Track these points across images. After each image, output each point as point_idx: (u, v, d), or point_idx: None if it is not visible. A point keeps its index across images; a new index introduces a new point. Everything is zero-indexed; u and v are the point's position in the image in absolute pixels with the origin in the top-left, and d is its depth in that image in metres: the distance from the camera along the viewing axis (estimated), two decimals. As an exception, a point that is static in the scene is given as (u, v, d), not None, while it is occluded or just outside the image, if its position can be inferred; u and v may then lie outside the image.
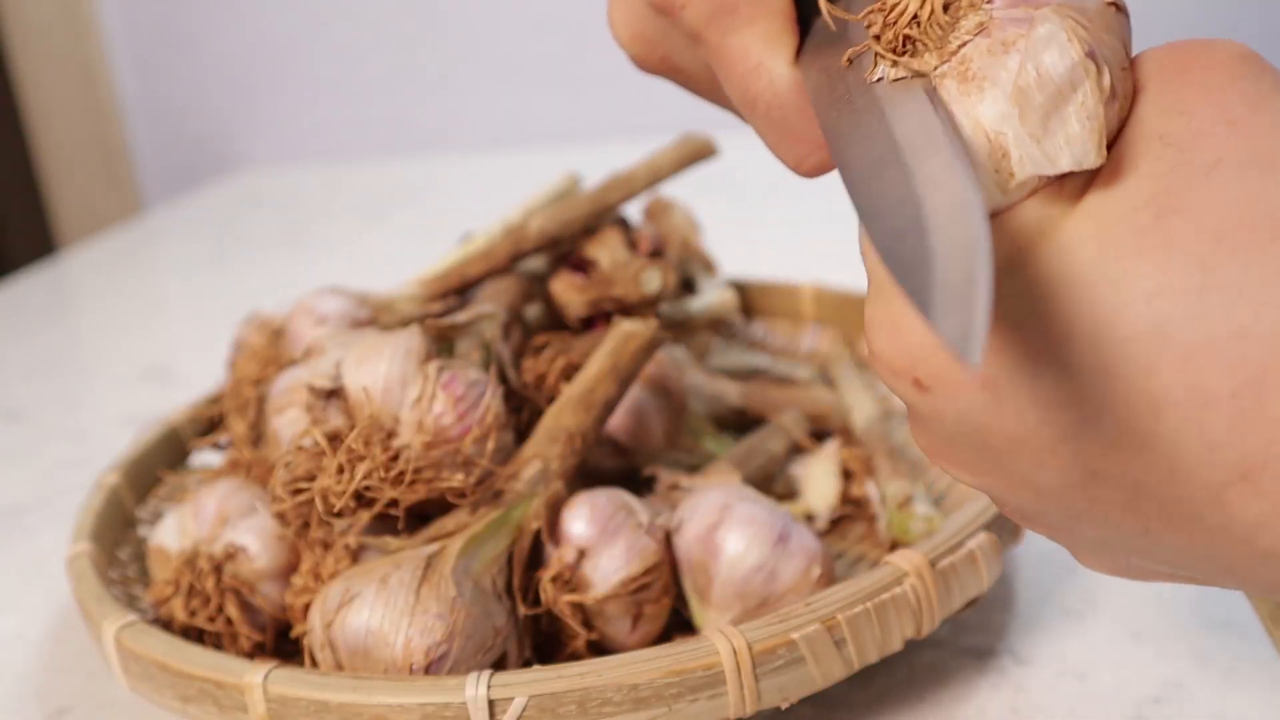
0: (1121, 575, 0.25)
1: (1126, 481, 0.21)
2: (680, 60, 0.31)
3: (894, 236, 0.20)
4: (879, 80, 0.25)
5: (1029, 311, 0.22)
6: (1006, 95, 0.22)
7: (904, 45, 0.24)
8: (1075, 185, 0.22)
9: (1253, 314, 0.19)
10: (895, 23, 0.24)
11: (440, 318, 0.45)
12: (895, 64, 0.24)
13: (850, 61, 0.26)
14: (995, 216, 0.23)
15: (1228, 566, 0.22)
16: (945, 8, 0.24)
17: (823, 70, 0.27)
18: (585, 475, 0.43)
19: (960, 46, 0.23)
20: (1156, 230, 0.21)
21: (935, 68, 0.24)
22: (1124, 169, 0.22)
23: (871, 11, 0.25)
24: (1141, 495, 0.21)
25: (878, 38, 0.25)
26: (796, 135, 0.29)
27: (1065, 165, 0.22)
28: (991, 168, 0.22)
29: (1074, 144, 0.22)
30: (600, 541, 0.37)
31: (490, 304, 0.47)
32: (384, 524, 0.38)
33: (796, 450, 0.48)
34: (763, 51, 0.28)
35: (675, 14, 0.29)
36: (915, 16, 0.24)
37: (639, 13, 0.31)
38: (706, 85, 0.32)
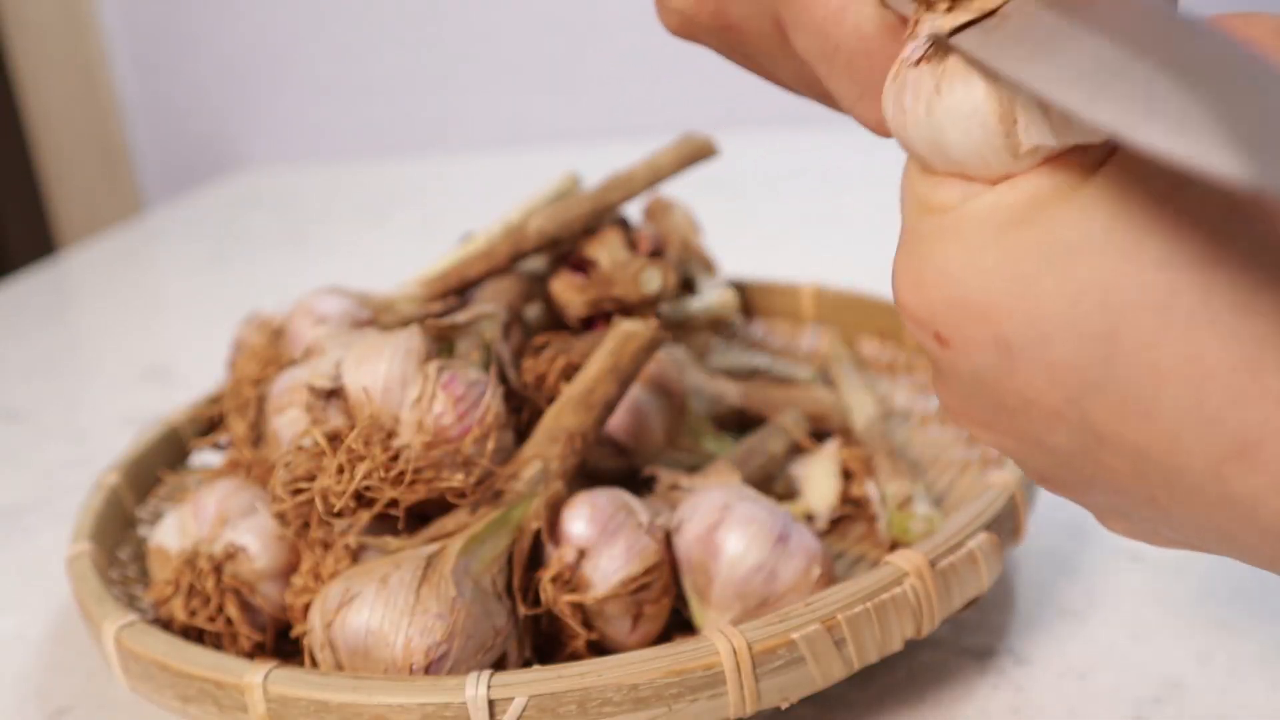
0: (1143, 540, 0.25)
1: (1131, 449, 0.21)
2: (737, 13, 0.29)
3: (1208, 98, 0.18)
4: (922, 42, 0.24)
5: (1041, 272, 0.22)
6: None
7: None
8: (1094, 156, 0.23)
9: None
10: None
11: (440, 318, 0.45)
12: (952, 8, 0.24)
13: None
14: (1007, 178, 0.23)
15: (1229, 538, 0.22)
16: None
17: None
18: (585, 475, 0.43)
19: (1004, 3, 0.23)
20: (1169, 202, 0.21)
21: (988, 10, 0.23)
22: None
23: None
24: (1146, 463, 0.21)
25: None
26: (881, 89, 0.26)
27: (1070, 139, 0.22)
28: (1003, 131, 0.23)
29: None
30: (600, 541, 0.37)
31: (490, 304, 0.47)
32: (384, 524, 0.38)
33: (796, 450, 0.48)
34: None
35: None
36: None
37: None
38: (761, 46, 0.29)
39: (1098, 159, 0.23)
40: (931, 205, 0.24)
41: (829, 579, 0.37)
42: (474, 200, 1.12)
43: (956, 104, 0.23)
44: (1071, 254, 0.21)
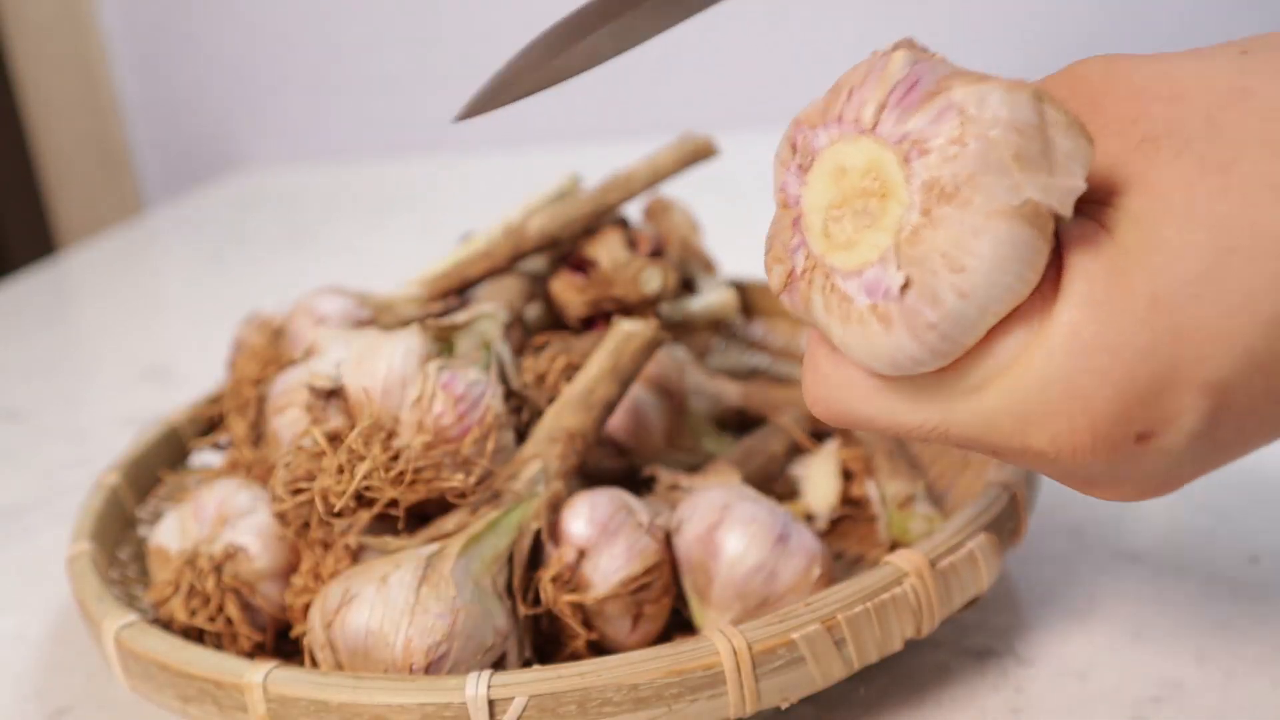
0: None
1: None
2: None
3: None
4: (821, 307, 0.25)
5: (1193, 305, 0.22)
6: (1005, 170, 0.22)
7: (847, 239, 0.25)
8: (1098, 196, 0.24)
9: None
10: (833, 225, 0.25)
11: (440, 318, 0.45)
12: (849, 249, 0.24)
13: None
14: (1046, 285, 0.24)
15: None
16: (857, 202, 0.24)
17: None
18: (585, 475, 0.43)
19: (907, 178, 0.23)
20: (1229, 178, 0.22)
21: (900, 230, 0.23)
22: (1151, 168, 0.23)
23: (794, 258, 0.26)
24: None
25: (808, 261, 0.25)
26: None
27: (1082, 176, 0.23)
28: (1039, 232, 0.23)
29: (1075, 156, 0.23)
30: (600, 541, 0.37)
31: (490, 304, 0.47)
32: (384, 524, 0.38)
33: (796, 450, 0.48)
34: None
35: None
36: (836, 207, 0.25)
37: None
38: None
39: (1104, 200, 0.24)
40: (998, 369, 0.24)
41: (829, 579, 0.37)
42: (474, 200, 1.12)
43: (998, 241, 0.23)
44: (1190, 282, 0.22)
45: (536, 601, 0.36)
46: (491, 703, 0.31)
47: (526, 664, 0.36)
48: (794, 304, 0.26)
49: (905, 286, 0.23)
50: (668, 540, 0.38)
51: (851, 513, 0.46)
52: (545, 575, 0.36)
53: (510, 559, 0.37)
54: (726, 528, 0.37)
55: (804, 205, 0.25)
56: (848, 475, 0.46)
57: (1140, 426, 0.23)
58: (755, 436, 0.48)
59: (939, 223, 0.23)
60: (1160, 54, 0.24)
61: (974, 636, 0.39)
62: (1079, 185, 0.23)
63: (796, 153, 0.25)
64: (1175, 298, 0.22)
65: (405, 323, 0.49)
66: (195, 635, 0.39)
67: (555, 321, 0.53)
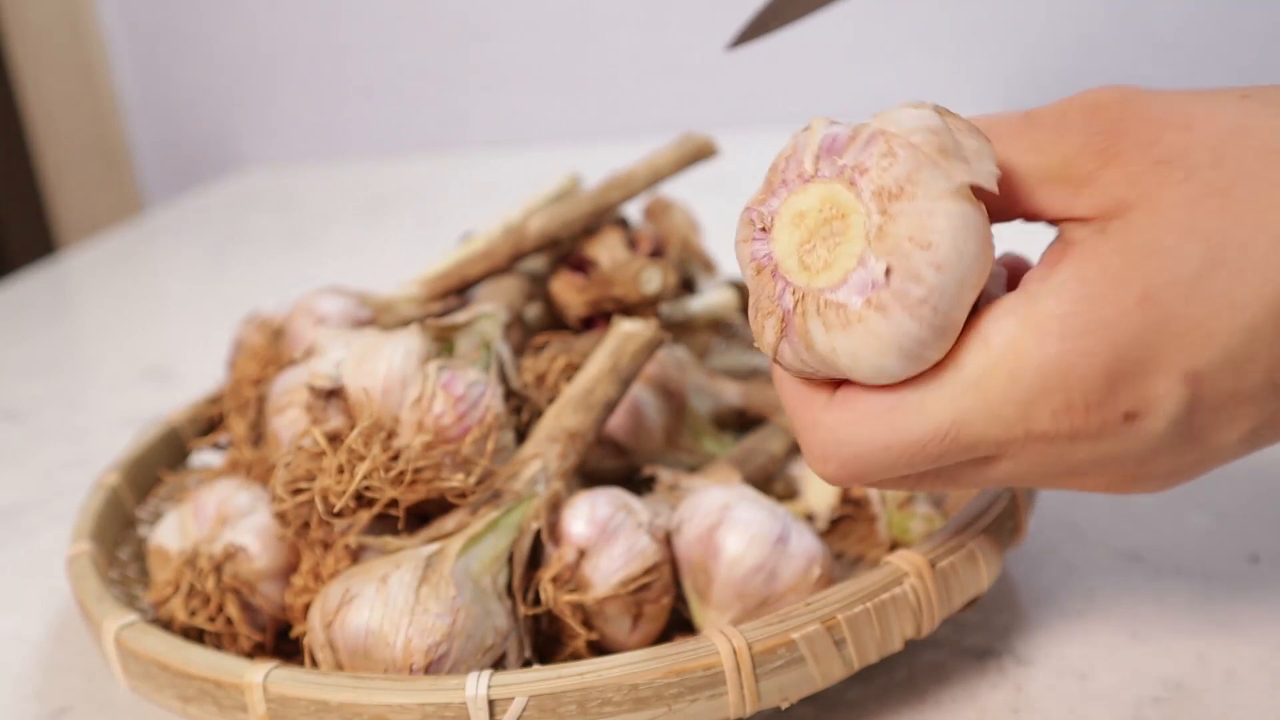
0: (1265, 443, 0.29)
1: None
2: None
3: None
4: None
5: (1178, 295, 0.25)
6: (935, 163, 0.27)
7: (813, 265, 0.28)
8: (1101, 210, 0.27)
9: None
10: (795, 273, 0.28)
11: (440, 318, 0.45)
12: (830, 268, 0.28)
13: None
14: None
15: None
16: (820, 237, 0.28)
17: None
18: (585, 475, 0.43)
19: (858, 195, 0.27)
20: (1225, 201, 0.26)
21: (868, 233, 0.27)
22: (1160, 188, 0.26)
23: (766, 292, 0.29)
24: None
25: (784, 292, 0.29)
26: None
27: (993, 164, 0.27)
28: (977, 209, 0.27)
29: (982, 151, 0.27)
30: (600, 541, 0.37)
31: (490, 304, 0.47)
32: (384, 524, 0.38)
33: (796, 450, 0.48)
34: None
35: None
36: (804, 245, 0.28)
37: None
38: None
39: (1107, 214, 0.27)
40: (994, 359, 0.27)
41: (829, 579, 0.37)
42: (474, 200, 1.12)
43: (950, 216, 0.26)
44: (1181, 283, 0.25)
45: (536, 601, 0.36)
46: (491, 703, 0.31)
47: (526, 664, 0.36)
48: (794, 350, 0.29)
49: (888, 272, 0.27)
50: (668, 540, 0.38)
51: (851, 513, 0.46)
52: (545, 575, 0.36)
53: (510, 559, 0.37)
54: (726, 528, 0.37)
55: (776, 256, 0.29)
56: (848, 475, 0.46)
57: (1127, 406, 0.26)
58: (755, 436, 0.48)
59: (897, 216, 0.27)
60: (1170, 90, 0.28)
61: (974, 636, 0.39)
62: (994, 170, 0.27)
63: (755, 225, 0.29)
64: (1165, 295, 0.25)
65: (405, 323, 0.49)
66: (195, 635, 0.39)
67: (555, 321, 0.53)
